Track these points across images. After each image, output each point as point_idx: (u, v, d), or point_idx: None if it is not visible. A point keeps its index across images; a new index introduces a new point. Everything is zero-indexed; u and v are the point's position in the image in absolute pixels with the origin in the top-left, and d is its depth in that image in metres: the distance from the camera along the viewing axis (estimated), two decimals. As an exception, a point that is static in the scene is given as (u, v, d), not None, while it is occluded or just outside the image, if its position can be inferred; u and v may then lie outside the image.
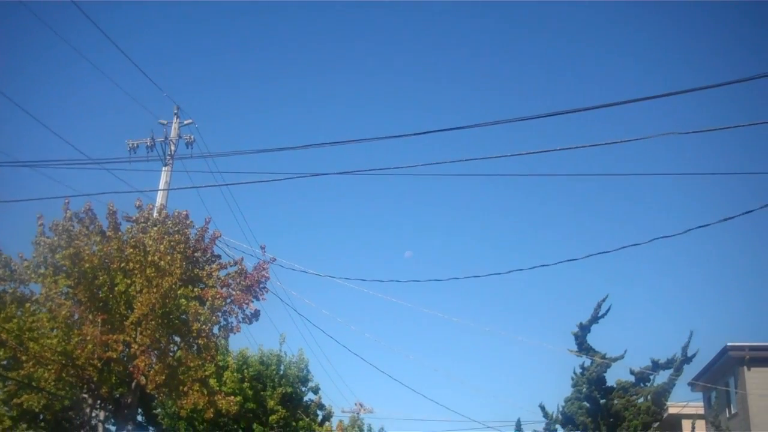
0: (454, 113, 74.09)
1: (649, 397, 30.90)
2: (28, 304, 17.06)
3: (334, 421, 33.39)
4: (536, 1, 70.11)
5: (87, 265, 16.53)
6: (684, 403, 33.23)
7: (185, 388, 17.09)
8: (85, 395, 18.13)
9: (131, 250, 17.11)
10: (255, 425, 27.60)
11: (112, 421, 18.75)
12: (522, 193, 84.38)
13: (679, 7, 67.60)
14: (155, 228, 17.75)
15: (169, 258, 16.96)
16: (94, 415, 18.41)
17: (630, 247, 16.55)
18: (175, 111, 22.49)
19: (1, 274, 17.30)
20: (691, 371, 32.27)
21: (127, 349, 16.87)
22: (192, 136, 22.24)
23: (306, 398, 30.84)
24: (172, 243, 17.45)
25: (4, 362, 17.27)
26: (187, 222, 18.24)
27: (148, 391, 17.49)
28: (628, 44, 72.20)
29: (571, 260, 17.58)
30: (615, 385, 32.04)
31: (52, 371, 16.24)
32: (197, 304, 17.43)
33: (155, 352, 17.04)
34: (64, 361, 16.23)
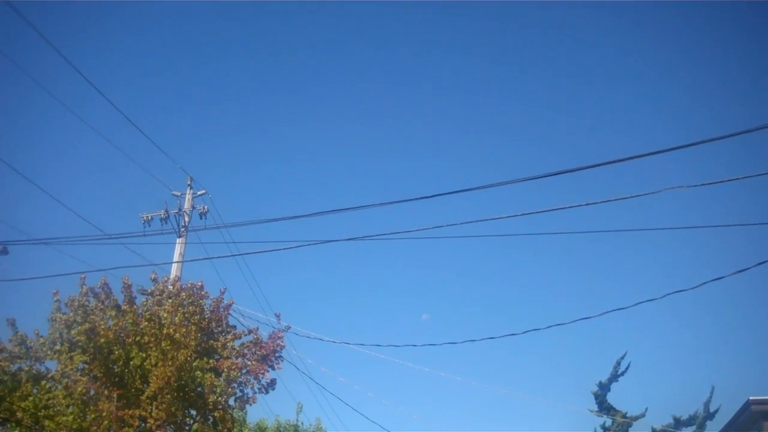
0: (469, 169, 74.35)
1: (672, 455, 30.43)
2: (44, 382, 17.02)
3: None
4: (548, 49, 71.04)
5: (102, 339, 16.54)
6: (709, 460, 32.62)
7: (202, 462, 16.94)
8: (102, 472, 17.96)
9: (146, 323, 17.14)
10: (273, 497, 27.22)
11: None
12: (534, 252, 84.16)
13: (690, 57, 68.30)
14: (170, 300, 17.80)
15: (184, 330, 16.97)
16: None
17: (645, 303, 16.47)
18: (189, 182, 22.74)
19: (18, 351, 17.32)
20: (714, 427, 31.77)
21: (143, 424, 16.74)
22: (206, 207, 22.44)
23: (324, 469, 30.43)
24: (186, 315, 17.48)
25: (20, 441, 17.16)
26: (202, 293, 18.29)
27: (164, 466, 17.33)
28: (634, 94, 72.73)
29: (586, 318, 17.43)
30: (637, 445, 31.59)
31: (68, 449, 16.12)
32: (213, 376, 17.36)
33: (171, 426, 16.91)
34: (80, 439, 16.13)
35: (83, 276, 17.83)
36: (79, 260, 25.61)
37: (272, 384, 18.65)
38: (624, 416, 31.52)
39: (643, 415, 32.14)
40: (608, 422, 32.43)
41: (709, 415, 31.13)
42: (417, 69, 76.77)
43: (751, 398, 27.60)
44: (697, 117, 66.35)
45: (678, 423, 31.37)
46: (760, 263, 14.09)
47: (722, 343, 65.33)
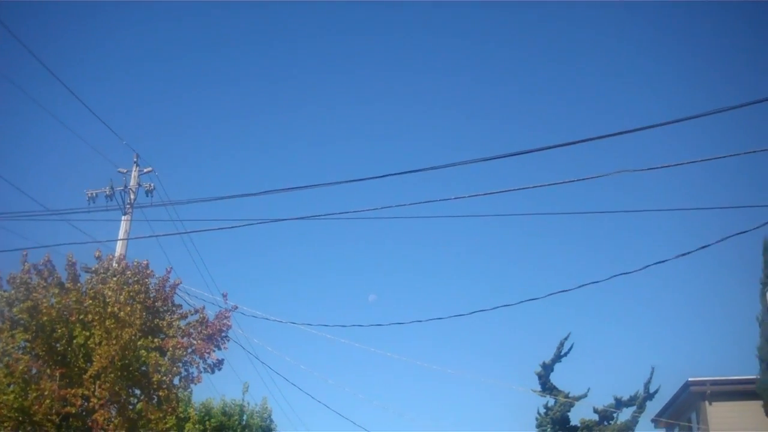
0: (417, 151, 74.56)
1: (613, 435, 31.06)
2: (-16, 360, 16.72)
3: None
4: (522, 28, 71.31)
5: (45, 317, 16.28)
6: (648, 440, 33.43)
7: (146, 442, 16.82)
8: (43, 452, 17.73)
9: (90, 301, 16.90)
10: (217, 477, 27.15)
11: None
12: (481, 234, 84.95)
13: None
14: (115, 278, 17.58)
15: (129, 309, 16.77)
16: (51, 472, 17.99)
17: (590, 285, 16.84)
18: (135, 159, 22.41)
19: (-44, 329, 16.96)
20: (653, 407, 32.55)
21: (85, 404, 16.56)
22: (152, 184, 22.15)
23: (269, 448, 30.46)
24: (132, 293, 17.29)
25: (-41, 420, 16.84)
26: (147, 272, 18.10)
27: (107, 446, 17.18)
28: (590, 79, 73.51)
29: (532, 299, 17.75)
30: (579, 425, 32.21)
31: (9, 428, 15.85)
32: (157, 355, 17.22)
33: (115, 405, 16.75)
34: (20, 418, 15.85)
35: (25, 252, 17.51)
36: (20, 236, 25.12)
37: (219, 364, 18.57)
38: (566, 396, 32.06)
39: (585, 396, 32.74)
40: (551, 402, 32.95)
41: (649, 396, 31.82)
42: (377, 46, 76.51)
43: (690, 379, 28.37)
44: (658, 99, 67.31)
45: (619, 403, 32.01)
46: (702, 247, 14.47)
47: (663, 325, 66.82)
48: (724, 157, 13.14)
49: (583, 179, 14.41)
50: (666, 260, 15.18)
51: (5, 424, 15.80)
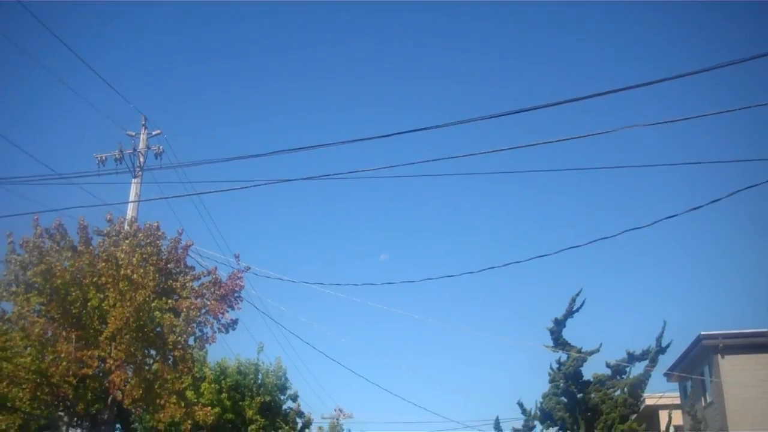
0: (425, 110, 74.28)
1: (625, 389, 31.14)
2: (0, 324, 16.84)
3: (314, 429, 33.42)
4: None
5: (59, 281, 16.34)
6: (660, 394, 33.49)
7: (162, 401, 16.95)
8: (61, 413, 17.91)
9: (103, 264, 16.96)
10: (234, 435, 27.46)
11: (90, 438, 18.56)
12: (492, 190, 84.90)
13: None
14: (127, 241, 17.61)
15: (141, 271, 16.84)
16: (70, 432, 18.21)
17: (600, 240, 16.74)
18: (143, 122, 22.25)
19: (-28, 293, 17.06)
20: (666, 362, 32.57)
21: (102, 365, 16.71)
22: (161, 147, 22.01)
23: (285, 406, 30.80)
24: (144, 255, 17.35)
25: (-23, 383, 16.99)
26: (159, 233, 18.14)
27: (124, 406, 17.35)
28: (605, 38, 72.73)
29: (543, 256, 17.61)
30: (592, 379, 32.23)
31: (27, 390, 16.04)
32: (172, 316, 17.32)
33: (131, 366, 16.90)
34: (38, 380, 16.03)
35: (36, 217, 17.55)
36: (31, 201, 25.19)
37: (233, 324, 18.70)
38: (579, 351, 32.06)
39: (597, 351, 32.72)
40: (563, 357, 33.02)
41: (662, 350, 31.78)
42: (380, 12, 75.87)
43: (702, 333, 28.34)
44: (660, 55, 66.63)
45: (631, 357, 32.00)
46: (713, 201, 14.31)
47: (674, 280, 66.88)
48: (734, 110, 12.93)
49: (595, 134, 14.26)
50: (677, 215, 14.97)
51: (23, 386, 15.96)
